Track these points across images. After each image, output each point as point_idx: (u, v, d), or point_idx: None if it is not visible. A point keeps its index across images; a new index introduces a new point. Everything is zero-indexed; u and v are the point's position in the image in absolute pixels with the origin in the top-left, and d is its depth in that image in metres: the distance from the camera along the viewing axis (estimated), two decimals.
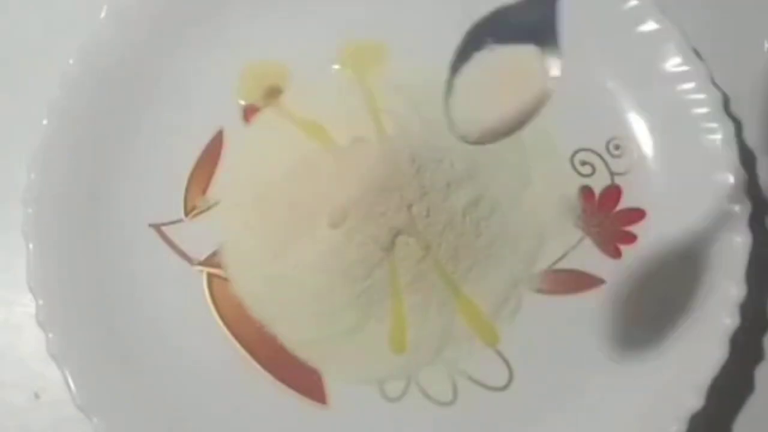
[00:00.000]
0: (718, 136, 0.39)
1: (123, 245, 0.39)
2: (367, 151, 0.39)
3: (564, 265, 0.39)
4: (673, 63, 0.40)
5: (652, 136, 0.41)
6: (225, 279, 0.39)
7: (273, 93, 0.42)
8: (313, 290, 0.38)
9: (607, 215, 0.40)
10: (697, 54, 0.41)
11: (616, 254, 0.39)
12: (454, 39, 0.42)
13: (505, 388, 0.37)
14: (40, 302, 0.37)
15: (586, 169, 0.40)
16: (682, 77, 0.40)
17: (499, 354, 0.38)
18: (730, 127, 0.39)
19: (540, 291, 0.39)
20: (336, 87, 0.42)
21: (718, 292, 0.37)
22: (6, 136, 0.43)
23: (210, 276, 0.39)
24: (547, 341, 0.38)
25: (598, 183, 0.40)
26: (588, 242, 0.39)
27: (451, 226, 0.38)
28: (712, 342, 0.36)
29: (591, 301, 0.38)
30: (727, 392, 0.36)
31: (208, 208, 0.40)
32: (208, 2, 0.43)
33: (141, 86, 0.41)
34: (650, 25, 0.41)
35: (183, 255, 0.39)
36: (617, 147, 0.41)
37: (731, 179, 0.38)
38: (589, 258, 0.39)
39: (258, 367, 0.38)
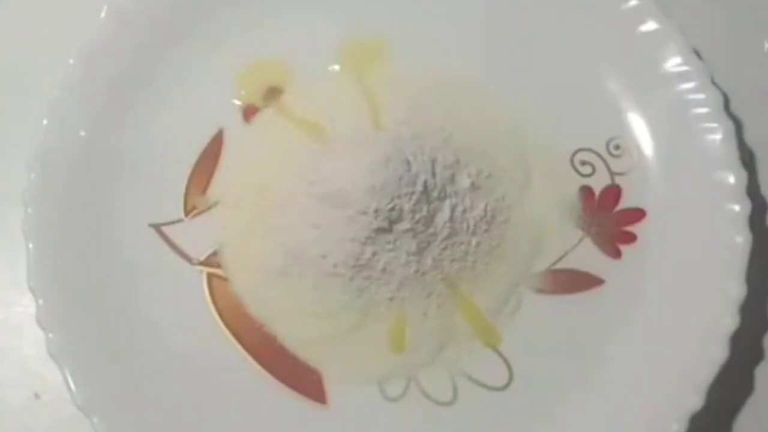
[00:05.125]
0: (718, 136, 0.39)
1: (123, 245, 0.39)
2: (366, 150, 0.39)
3: (564, 265, 0.39)
4: (673, 63, 0.41)
5: (652, 136, 0.41)
6: (225, 279, 0.39)
7: (273, 93, 0.42)
8: (313, 290, 0.38)
9: (607, 215, 0.40)
10: (697, 54, 0.41)
11: (616, 254, 0.39)
12: (454, 38, 0.43)
13: (505, 388, 0.37)
14: (40, 302, 0.37)
15: (586, 169, 0.40)
16: (682, 77, 0.40)
17: (499, 354, 0.38)
18: (730, 127, 0.39)
19: (540, 291, 0.39)
20: (336, 87, 0.42)
21: (718, 292, 0.37)
22: (6, 136, 0.43)
23: (210, 276, 0.39)
24: (547, 341, 0.38)
25: (598, 183, 0.40)
26: (588, 242, 0.39)
27: (451, 226, 0.38)
28: (712, 342, 0.36)
29: (591, 301, 0.38)
30: (727, 392, 0.36)
31: (208, 208, 0.40)
32: (208, 2, 0.43)
33: (141, 86, 0.41)
34: (650, 25, 0.41)
35: (183, 255, 0.39)
36: (617, 147, 0.41)
37: (731, 179, 0.38)
38: (589, 258, 0.39)
39: (258, 367, 0.37)
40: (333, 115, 0.41)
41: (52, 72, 0.41)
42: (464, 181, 0.39)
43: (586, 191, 0.40)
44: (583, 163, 0.41)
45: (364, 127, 0.41)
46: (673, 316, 0.37)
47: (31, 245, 0.38)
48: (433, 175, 0.38)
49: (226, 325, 0.38)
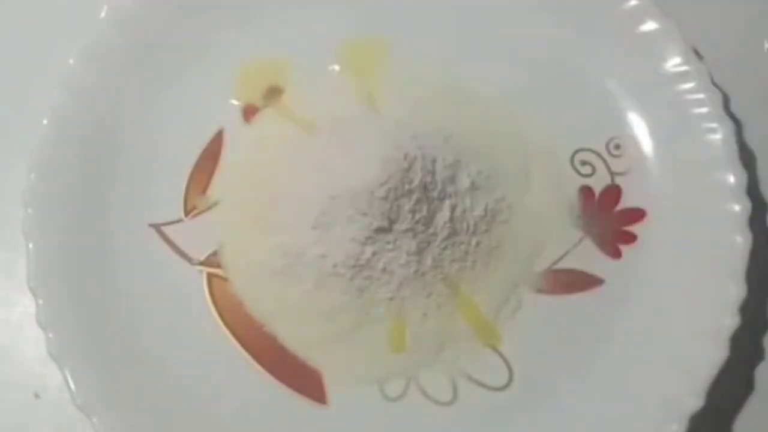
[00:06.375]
0: (718, 136, 0.39)
1: (123, 245, 0.39)
2: (366, 150, 0.39)
3: (564, 265, 0.39)
4: (673, 63, 0.41)
5: (652, 136, 0.41)
6: (225, 279, 0.39)
7: (273, 93, 0.42)
8: (313, 290, 0.38)
9: (607, 215, 0.40)
10: (697, 54, 0.41)
11: (616, 254, 0.39)
12: (454, 38, 0.43)
13: (505, 388, 0.37)
14: (40, 302, 0.37)
15: (586, 169, 0.41)
16: (682, 77, 0.40)
17: (499, 354, 0.38)
18: (730, 127, 0.39)
19: (540, 291, 0.39)
20: (336, 87, 0.42)
21: (718, 292, 0.37)
22: (6, 136, 0.43)
23: (210, 276, 0.39)
24: (547, 341, 0.38)
25: (598, 183, 0.40)
26: (588, 242, 0.39)
27: (451, 226, 0.38)
28: (712, 342, 0.36)
29: (591, 301, 0.38)
30: (727, 392, 0.36)
31: (208, 208, 0.40)
32: (208, 2, 0.43)
33: (141, 86, 0.41)
34: (650, 25, 0.41)
35: (183, 255, 0.39)
36: (617, 147, 0.41)
37: (731, 179, 0.38)
38: (589, 258, 0.39)
39: (258, 367, 0.37)
40: (333, 115, 0.41)
41: (52, 72, 0.41)
42: (464, 181, 0.39)
43: (586, 191, 0.40)
44: (583, 163, 0.41)
45: (364, 127, 0.41)
46: (673, 316, 0.37)
47: (31, 245, 0.38)
48: (433, 175, 0.38)
49: (226, 325, 0.38)
